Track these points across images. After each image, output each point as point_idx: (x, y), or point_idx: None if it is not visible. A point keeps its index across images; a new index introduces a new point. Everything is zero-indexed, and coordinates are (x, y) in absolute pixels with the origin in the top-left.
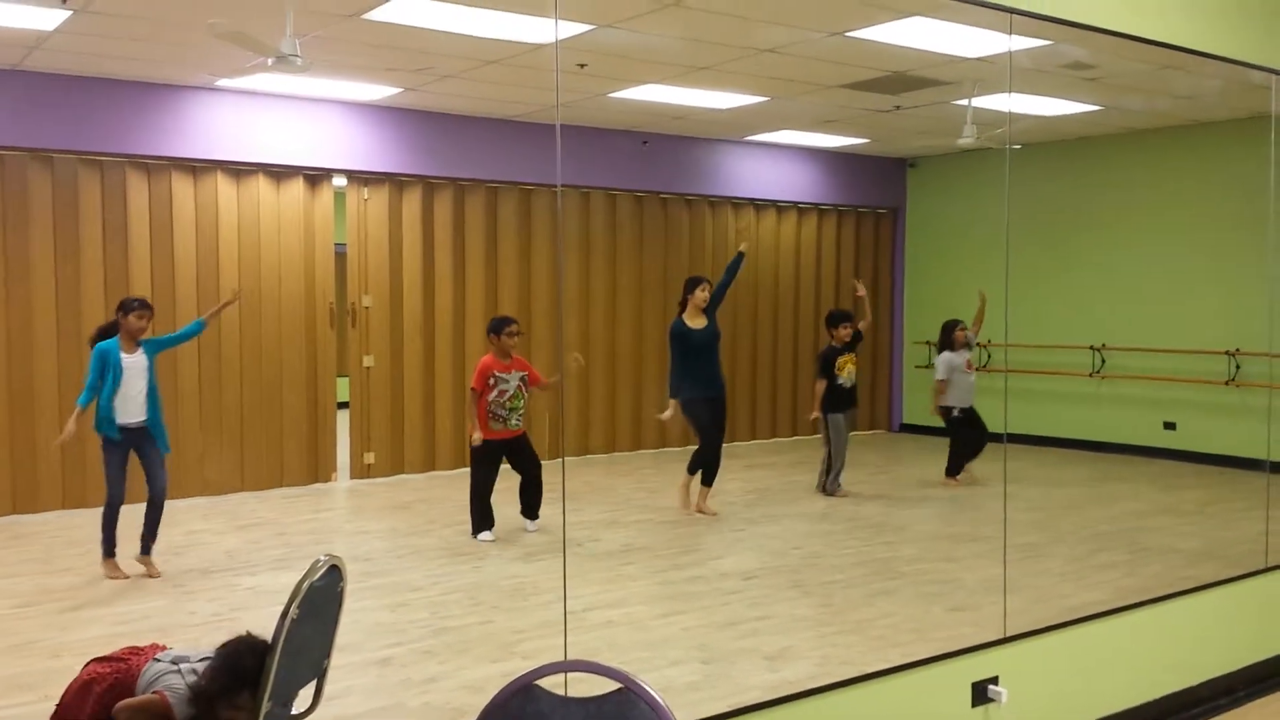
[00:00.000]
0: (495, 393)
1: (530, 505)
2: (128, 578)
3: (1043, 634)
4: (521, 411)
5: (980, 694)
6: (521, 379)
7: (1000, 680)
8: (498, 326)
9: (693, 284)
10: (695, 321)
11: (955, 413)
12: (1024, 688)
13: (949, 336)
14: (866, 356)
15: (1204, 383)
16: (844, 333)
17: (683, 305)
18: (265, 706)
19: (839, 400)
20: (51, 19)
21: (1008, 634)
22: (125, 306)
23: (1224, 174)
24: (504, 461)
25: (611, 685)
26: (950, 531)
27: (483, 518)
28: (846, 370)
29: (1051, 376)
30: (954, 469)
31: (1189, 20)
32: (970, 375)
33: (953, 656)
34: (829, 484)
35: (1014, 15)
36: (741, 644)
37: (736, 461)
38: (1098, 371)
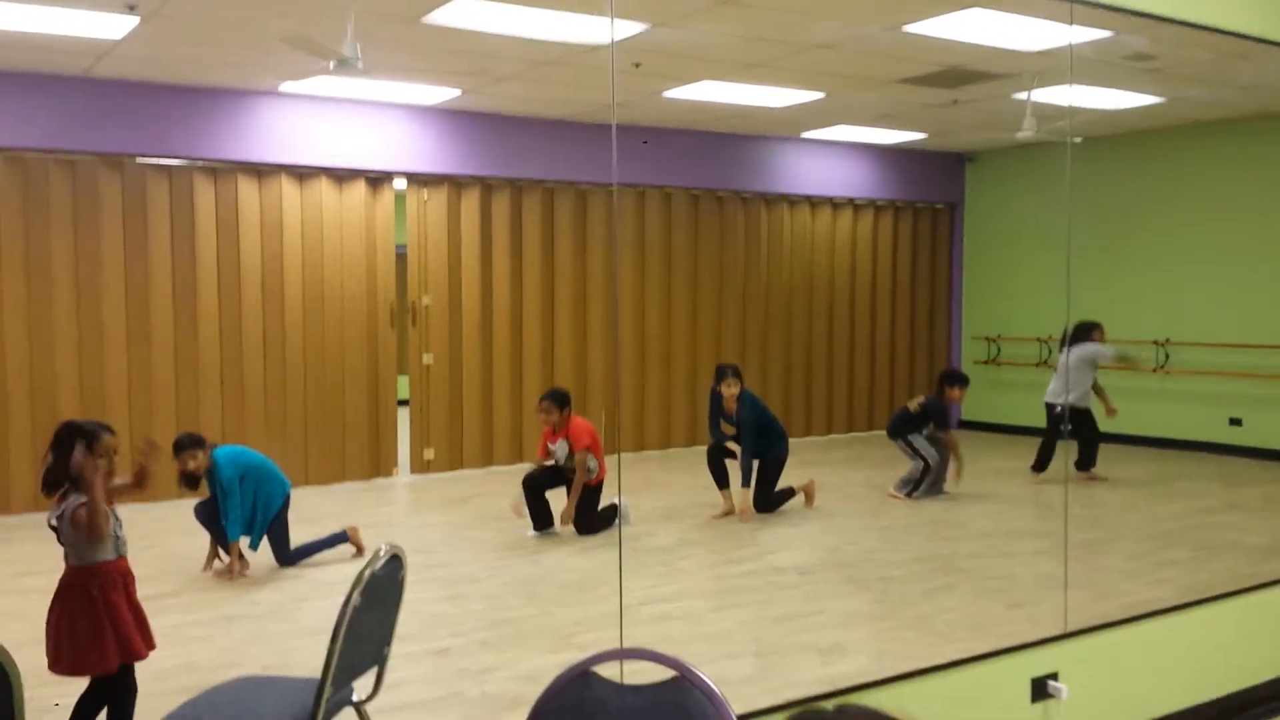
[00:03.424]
0: (551, 454)
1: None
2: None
3: (1104, 630)
4: (586, 471)
5: (1040, 689)
6: (569, 446)
7: (1060, 676)
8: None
9: None
10: None
11: (1057, 409)
12: (1085, 684)
13: (1081, 336)
14: (924, 353)
15: (1271, 378)
16: (956, 394)
17: None
18: (327, 691)
19: (908, 424)
20: (120, 27)
21: (1068, 629)
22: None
23: None
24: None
25: (667, 674)
26: (1009, 528)
27: (534, 516)
28: (915, 401)
29: (1115, 371)
30: (1040, 465)
31: (1255, 7)
32: (1080, 372)
33: (1012, 651)
34: (918, 491)
35: (1075, 5)
36: (796, 638)
37: (793, 458)
38: (1162, 367)
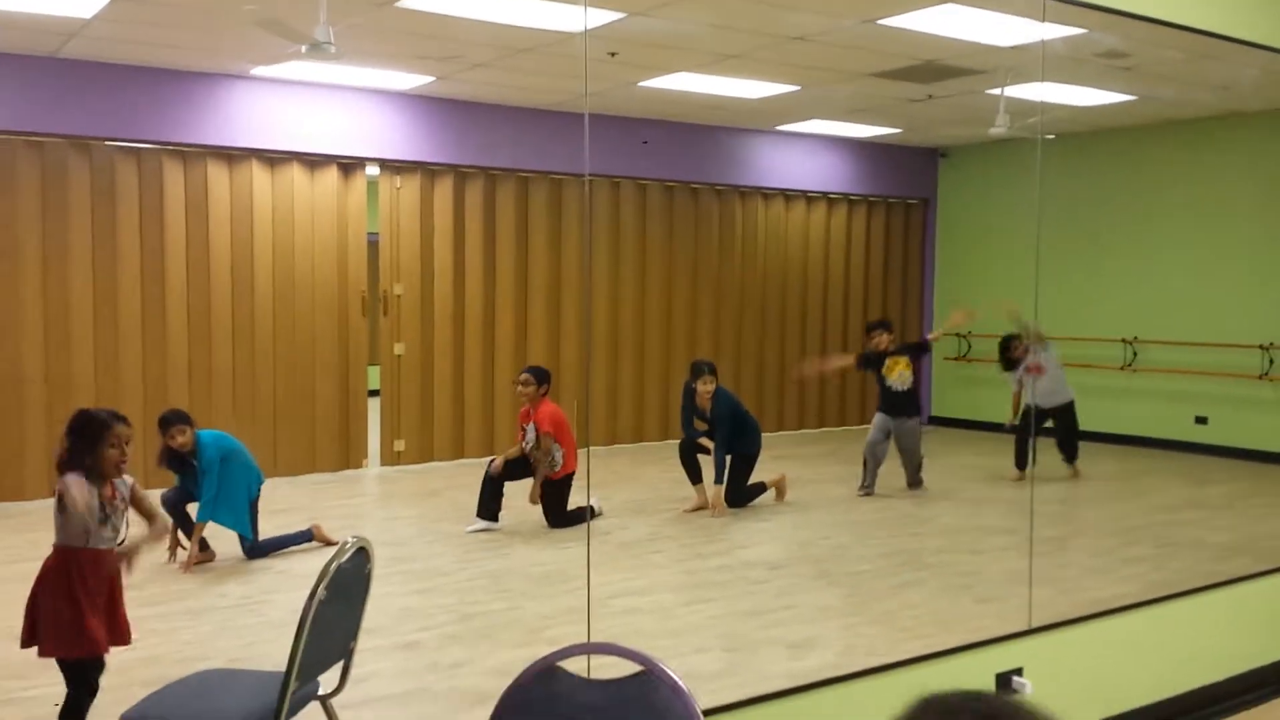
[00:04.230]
0: (524, 440)
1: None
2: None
3: (1068, 626)
4: (549, 459)
5: (1004, 685)
6: (536, 429)
7: (1024, 672)
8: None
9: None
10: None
11: (1028, 408)
12: (1049, 679)
13: (1005, 355)
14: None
15: (1237, 377)
16: (876, 340)
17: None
18: (292, 685)
19: (888, 402)
20: (90, 6)
21: (1033, 625)
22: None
23: (1260, 166)
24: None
25: (633, 668)
26: (977, 524)
27: (484, 505)
28: (896, 372)
29: (1083, 369)
30: (1020, 462)
31: (1226, 6)
32: (1044, 374)
33: (977, 647)
34: (862, 488)
35: (1047, 1)
36: (766, 633)
37: (765, 452)
38: (1129, 365)
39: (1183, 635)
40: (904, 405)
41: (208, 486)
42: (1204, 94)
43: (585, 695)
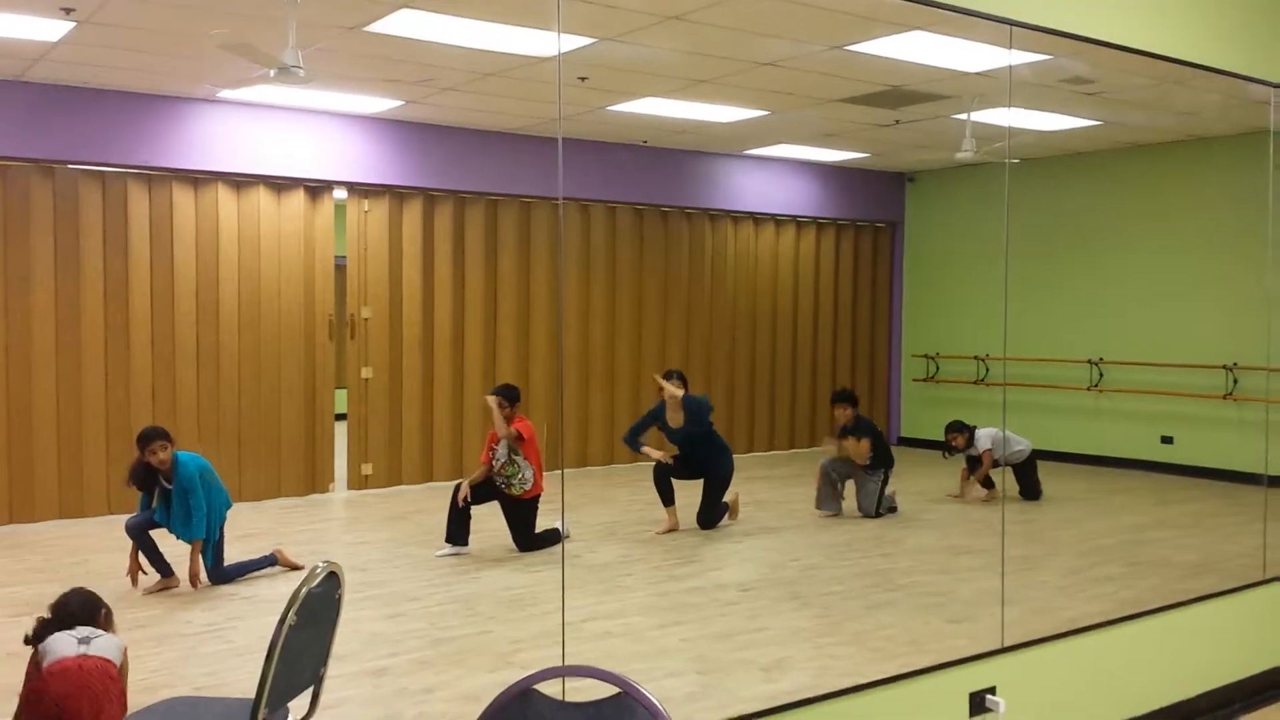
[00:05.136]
0: (493, 458)
1: (518, 544)
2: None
3: (1040, 644)
4: (519, 478)
5: (978, 704)
6: (509, 448)
7: (998, 690)
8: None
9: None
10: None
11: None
12: (1022, 698)
13: (947, 446)
14: (864, 370)
15: (1202, 397)
16: (839, 414)
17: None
18: (261, 713)
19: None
20: (55, 30)
21: (1005, 644)
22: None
23: (1223, 189)
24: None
25: (610, 691)
26: (947, 544)
27: (452, 530)
28: (861, 450)
29: (1049, 390)
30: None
31: (1189, 33)
32: (995, 448)
33: (950, 666)
34: (824, 509)
35: (1014, 28)
36: (739, 655)
37: (735, 474)
38: (1095, 385)
39: (1153, 653)
40: (864, 467)
41: (196, 505)
42: (1169, 119)
43: (563, 716)
